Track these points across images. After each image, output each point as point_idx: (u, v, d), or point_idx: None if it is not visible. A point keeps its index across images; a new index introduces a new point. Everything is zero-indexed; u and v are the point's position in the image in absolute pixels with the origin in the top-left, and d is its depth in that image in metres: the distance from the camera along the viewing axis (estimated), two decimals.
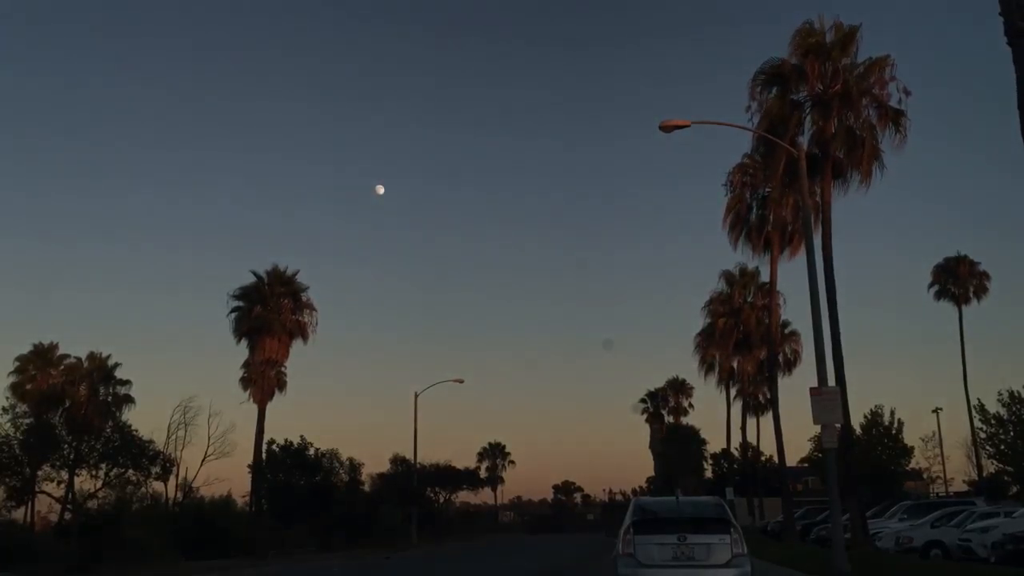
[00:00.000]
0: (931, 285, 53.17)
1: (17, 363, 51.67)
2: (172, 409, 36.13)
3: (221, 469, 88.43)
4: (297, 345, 44.58)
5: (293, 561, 30.76)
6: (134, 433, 31.64)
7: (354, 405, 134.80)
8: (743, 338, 49.92)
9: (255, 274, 44.85)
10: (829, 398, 17.25)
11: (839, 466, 18.42)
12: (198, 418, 36.67)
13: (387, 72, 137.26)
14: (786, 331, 48.94)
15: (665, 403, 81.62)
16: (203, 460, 36.23)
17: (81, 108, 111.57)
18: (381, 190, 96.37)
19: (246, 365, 43.74)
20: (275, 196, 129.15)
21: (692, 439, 75.25)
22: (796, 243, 34.95)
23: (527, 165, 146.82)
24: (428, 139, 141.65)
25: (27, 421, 29.88)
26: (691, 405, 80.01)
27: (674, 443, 75.24)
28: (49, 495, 30.25)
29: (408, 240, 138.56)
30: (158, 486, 35.57)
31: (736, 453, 59.39)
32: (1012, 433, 39.35)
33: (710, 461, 75.38)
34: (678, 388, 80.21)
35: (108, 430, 31.41)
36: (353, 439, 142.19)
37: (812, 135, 25.79)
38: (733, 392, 53.84)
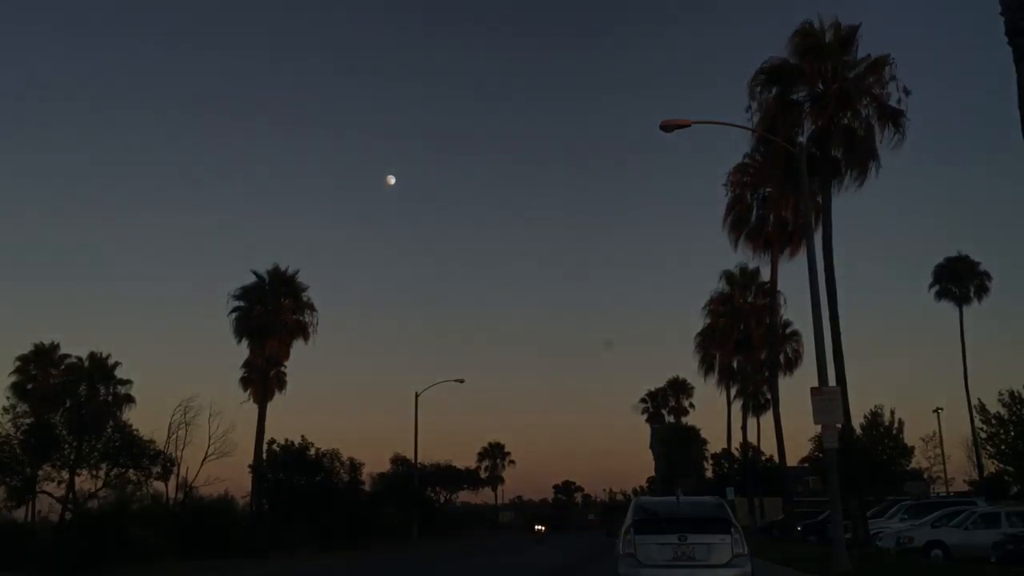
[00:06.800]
0: (931, 285, 53.17)
1: (18, 363, 51.84)
2: (172, 409, 36.00)
3: (221, 469, 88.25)
4: (297, 345, 44.76)
5: (294, 561, 30.75)
6: (134, 433, 31.63)
7: (354, 405, 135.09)
8: (744, 338, 49.88)
9: (256, 274, 44.97)
10: (830, 398, 17.29)
11: (839, 466, 18.42)
12: (198, 418, 36.44)
13: (390, 70, 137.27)
14: (787, 331, 48.92)
15: (665, 403, 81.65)
16: (203, 460, 36.13)
17: (79, 106, 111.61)
18: (392, 180, 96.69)
19: (246, 365, 43.80)
20: (275, 196, 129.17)
21: (692, 439, 75.30)
22: (796, 243, 34.92)
23: (527, 165, 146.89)
24: (427, 139, 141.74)
25: (28, 421, 29.87)
26: (691, 405, 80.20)
27: (674, 443, 75.32)
28: (50, 495, 30.24)
29: (408, 240, 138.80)
30: (158, 486, 35.55)
31: (736, 453, 59.37)
32: (1013, 433, 39.39)
33: (710, 461, 75.45)
34: (678, 388, 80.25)
35: (109, 430, 31.38)
36: (353, 439, 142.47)
37: (811, 135, 25.76)
38: (733, 392, 53.83)
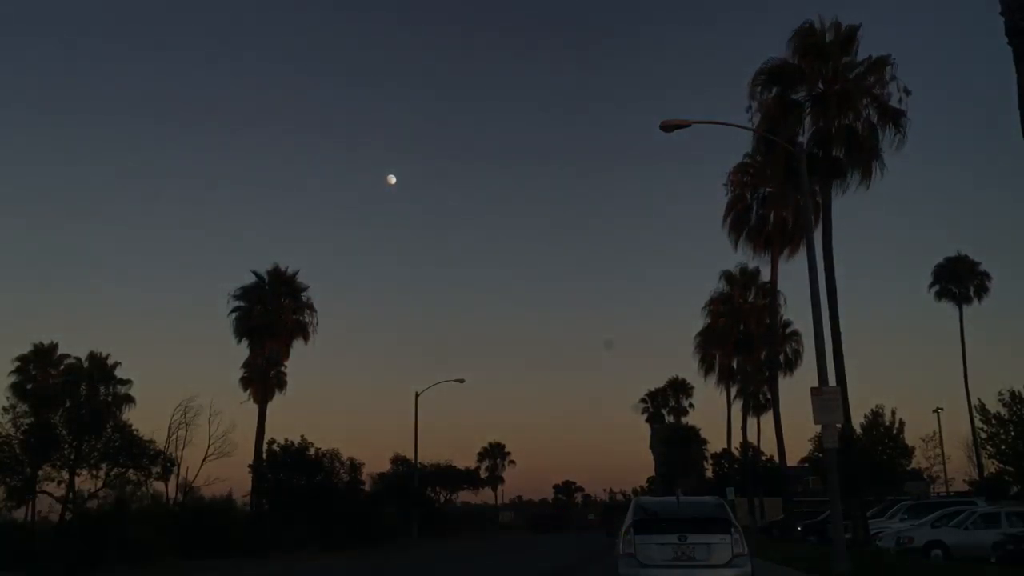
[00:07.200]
0: (931, 285, 53.16)
1: (17, 363, 51.83)
2: (172, 409, 36.01)
3: (221, 469, 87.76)
4: (297, 345, 44.71)
5: (294, 561, 30.73)
6: (134, 433, 31.61)
7: (354, 405, 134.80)
8: (744, 338, 49.89)
9: (256, 274, 44.91)
10: (830, 398, 17.26)
11: (839, 466, 18.41)
12: (198, 418, 36.46)
13: (391, 71, 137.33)
14: (787, 331, 48.93)
15: (665, 403, 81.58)
16: (203, 460, 36.14)
17: (78, 106, 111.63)
18: (392, 180, 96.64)
19: (246, 365, 43.76)
20: (275, 197, 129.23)
21: (692, 439, 75.28)
22: (796, 243, 34.95)
23: (527, 165, 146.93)
24: (427, 139, 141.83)
25: (28, 421, 29.85)
26: (691, 405, 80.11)
27: (674, 443, 75.28)
28: (50, 495, 30.20)
29: (408, 240, 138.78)
30: (158, 486, 35.50)
31: (736, 453, 59.37)
32: (1013, 433, 39.41)
33: (710, 461, 75.47)
34: (678, 388, 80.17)
35: (108, 430, 31.36)
36: (353, 439, 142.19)
37: (812, 135, 25.78)
38: (733, 392, 53.83)
